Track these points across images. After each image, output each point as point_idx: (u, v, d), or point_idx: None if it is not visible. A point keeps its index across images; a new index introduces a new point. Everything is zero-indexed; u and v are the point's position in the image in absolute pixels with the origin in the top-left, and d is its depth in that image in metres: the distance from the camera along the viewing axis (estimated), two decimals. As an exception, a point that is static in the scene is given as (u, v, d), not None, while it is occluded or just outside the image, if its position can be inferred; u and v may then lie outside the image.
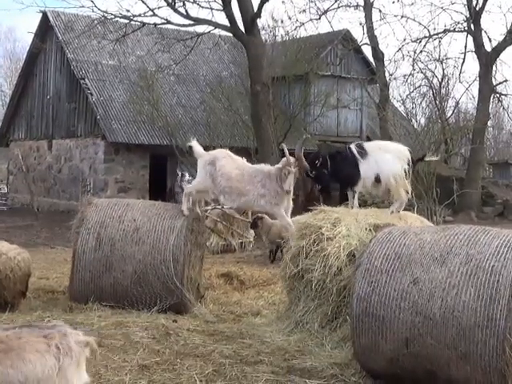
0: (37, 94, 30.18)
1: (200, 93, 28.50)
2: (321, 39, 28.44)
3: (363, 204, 9.85)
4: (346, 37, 28.97)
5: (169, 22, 23.02)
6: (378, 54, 27.61)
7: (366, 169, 8.61)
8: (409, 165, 8.71)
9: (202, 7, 23.30)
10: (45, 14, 28.14)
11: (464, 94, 32.26)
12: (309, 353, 6.88)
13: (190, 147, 9.36)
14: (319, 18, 27.31)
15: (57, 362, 4.08)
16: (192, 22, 23.47)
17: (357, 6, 27.68)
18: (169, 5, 22.53)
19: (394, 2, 27.88)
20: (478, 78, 27.90)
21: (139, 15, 22.96)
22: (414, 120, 33.24)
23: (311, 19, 27.61)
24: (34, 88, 30.42)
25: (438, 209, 17.73)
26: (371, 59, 28.72)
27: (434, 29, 30.00)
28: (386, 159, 8.65)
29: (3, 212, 27.81)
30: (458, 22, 28.06)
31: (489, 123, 33.19)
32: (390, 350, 5.74)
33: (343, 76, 29.41)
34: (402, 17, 28.14)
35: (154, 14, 22.79)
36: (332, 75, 29.10)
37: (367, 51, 29.39)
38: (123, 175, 25.87)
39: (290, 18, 30.90)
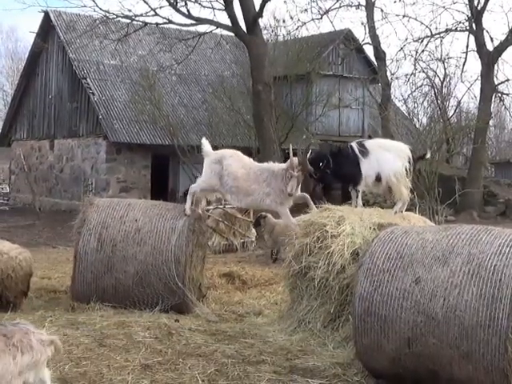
0: (39, 93, 30.21)
1: (202, 92, 28.53)
2: (322, 39, 28.45)
3: (365, 203, 9.84)
4: (347, 36, 28.98)
5: (170, 22, 23.04)
6: (379, 54, 27.61)
7: (368, 167, 8.61)
8: (410, 163, 8.71)
9: (204, 7, 23.35)
10: (47, 14, 28.18)
11: (466, 94, 32.43)
12: (311, 352, 6.88)
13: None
14: (321, 18, 27.36)
15: (12, 360, 4.15)
16: (194, 22, 23.49)
17: (358, 6, 27.70)
18: (170, 4, 22.55)
19: (395, 2, 27.92)
20: (479, 78, 27.90)
21: (141, 15, 23.00)
22: (415, 119, 33.32)
23: (313, 19, 27.67)
24: (35, 88, 30.45)
25: (440, 208, 17.73)
26: (373, 59, 28.74)
27: (436, 28, 30.12)
28: (387, 157, 8.64)
29: (5, 211, 27.83)
30: (460, 22, 28.10)
31: (490, 122, 33.18)
32: (392, 349, 5.73)
33: (345, 75, 29.42)
34: (403, 16, 28.20)
35: (156, 14, 22.83)
36: (334, 75, 29.10)
37: (369, 51, 29.45)
38: (125, 175, 25.89)
39: (291, 18, 30.88)
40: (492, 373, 5.21)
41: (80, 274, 8.88)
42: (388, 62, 28.05)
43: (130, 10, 22.92)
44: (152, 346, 6.81)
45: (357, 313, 5.95)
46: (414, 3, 36.57)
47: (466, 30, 28.06)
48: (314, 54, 27.68)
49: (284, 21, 28.41)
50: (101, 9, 22.84)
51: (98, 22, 23.65)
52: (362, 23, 27.79)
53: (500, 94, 29.44)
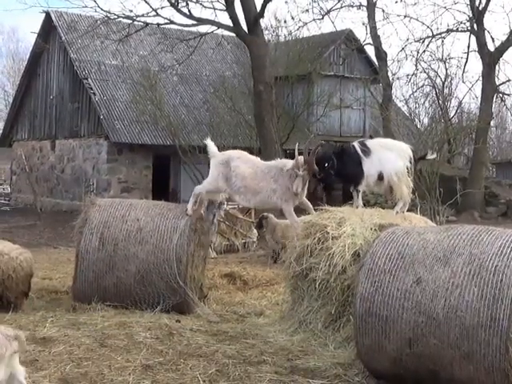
0: (40, 94, 30.22)
1: (203, 93, 28.54)
2: (324, 39, 28.48)
3: (366, 204, 9.82)
4: (348, 37, 28.99)
5: (172, 22, 23.07)
6: (380, 54, 27.61)
7: (370, 166, 8.60)
8: (411, 162, 8.71)
9: (205, 7, 23.39)
10: (48, 14, 28.19)
11: (467, 94, 32.44)
12: (312, 353, 6.88)
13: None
14: (322, 18, 27.37)
15: None
16: (195, 22, 23.52)
17: (360, 6, 27.70)
18: (172, 5, 22.57)
19: (396, 2, 27.94)
20: (481, 78, 27.92)
21: (142, 15, 23.03)
22: (417, 120, 33.31)
23: (314, 19, 27.72)
24: (37, 88, 30.47)
25: (441, 209, 17.70)
26: (374, 59, 28.75)
27: (437, 28, 30.15)
28: (389, 157, 8.64)
29: (6, 212, 27.85)
30: (461, 22, 28.11)
31: (492, 123, 33.16)
32: (393, 349, 5.73)
33: (346, 76, 29.44)
34: (404, 16, 28.23)
35: (157, 14, 22.85)
36: (335, 75, 29.12)
37: (370, 51, 29.46)
38: (126, 175, 25.90)
39: (292, 18, 31.05)
40: (493, 373, 5.21)
41: (82, 273, 8.89)
42: (389, 63, 28.10)
43: (131, 11, 23.01)
44: (153, 347, 6.81)
45: (358, 313, 5.96)
46: (415, 3, 36.57)
47: (468, 30, 28.07)
48: (315, 55, 27.71)
49: (285, 21, 28.52)
50: (102, 9, 22.93)
51: (99, 22, 23.68)
52: (364, 23, 27.83)
53: (501, 95, 29.46)
